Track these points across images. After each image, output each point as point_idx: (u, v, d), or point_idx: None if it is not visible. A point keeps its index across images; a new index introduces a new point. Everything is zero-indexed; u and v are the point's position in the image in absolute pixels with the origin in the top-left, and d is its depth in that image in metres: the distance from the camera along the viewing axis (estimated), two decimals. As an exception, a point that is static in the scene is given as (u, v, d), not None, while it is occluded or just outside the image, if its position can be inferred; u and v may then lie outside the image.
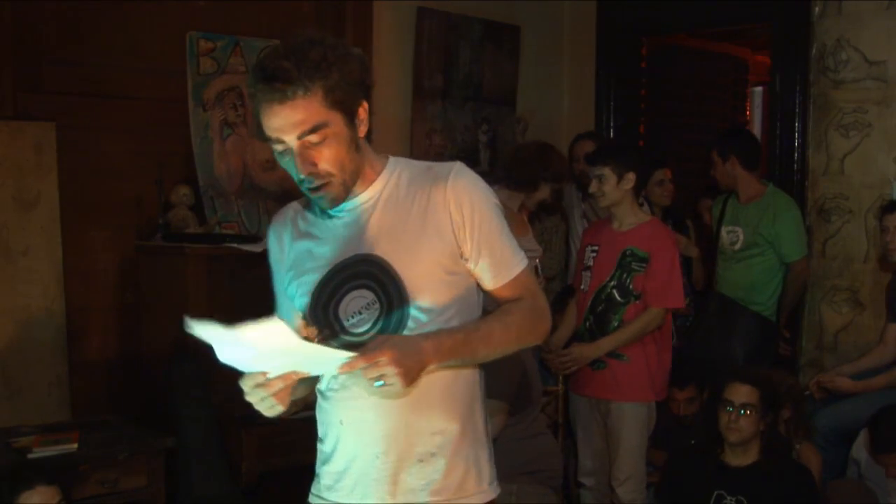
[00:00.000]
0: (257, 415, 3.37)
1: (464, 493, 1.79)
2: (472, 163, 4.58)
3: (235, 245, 3.40)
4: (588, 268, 3.55)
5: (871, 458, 3.48)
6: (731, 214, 4.24)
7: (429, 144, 4.63)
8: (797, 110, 4.51)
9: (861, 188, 4.33)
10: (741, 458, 3.18)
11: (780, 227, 4.13)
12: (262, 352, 1.60)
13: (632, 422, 3.45)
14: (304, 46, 1.66)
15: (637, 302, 3.42)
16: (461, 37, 4.73)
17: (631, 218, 3.50)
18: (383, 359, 1.55)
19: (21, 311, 3.31)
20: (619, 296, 3.44)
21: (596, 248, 3.55)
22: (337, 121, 1.68)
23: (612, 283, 3.45)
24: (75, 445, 2.93)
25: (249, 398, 1.71)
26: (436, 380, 1.73)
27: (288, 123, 1.65)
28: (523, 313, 1.78)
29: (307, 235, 1.84)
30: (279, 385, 1.65)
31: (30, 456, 2.85)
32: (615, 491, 3.54)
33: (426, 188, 1.75)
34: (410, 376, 1.59)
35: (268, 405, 1.71)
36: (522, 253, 1.81)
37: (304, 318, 1.82)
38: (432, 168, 1.80)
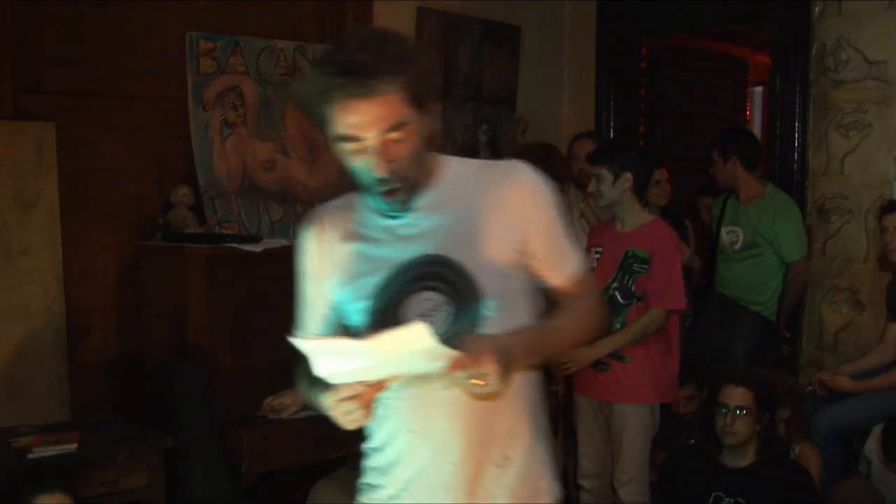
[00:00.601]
0: (257, 415, 3.39)
1: (538, 493, 1.79)
2: None
3: (235, 245, 3.40)
4: (591, 269, 3.55)
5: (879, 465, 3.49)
6: (731, 214, 4.24)
7: (429, 144, 4.63)
8: (797, 110, 4.51)
9: (861, 188, 4.33)
10: (739, 459, 3.18)
11: (780, 227, 4.13)
12: (375, 362, 1.51)
13: (635, 424, 3.45)
14: (380, 40, 1.60)
15: (640, 304, 3.42)
16: (461, 37, 4.73)
17: (634, 218, 3.50)
18: (486, 357, 1.51)
19: (21, 311, 3.31)
20: (622, 297, 3.44)
21: (600, 249, 3.55)
22: (415, 118, 1.62)
23: (615, 285, 3.45)
24: (75, 445, 2.93)
25: (333, 412, 1.60)
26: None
27: (369, 120, 1.57)
28: (585, 309, 1.79)
29: (358, 237, 1.76)
30: (371, 394, 1.58)
31: (30, 456, 2.85)
32: (617, 492, 3.53)
33: (489, 186, 1.72)
34: (504, 378, 1.54)
35: (354, 417, 1.61)
36: (581, 250, 1.81)
37: (366, 321, 1.73)
38: (492, 166, 1.78)
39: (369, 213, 1.75)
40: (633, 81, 5.27)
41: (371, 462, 1.85)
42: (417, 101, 1.60)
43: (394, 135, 1.59)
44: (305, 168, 3.97)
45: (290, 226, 3.85)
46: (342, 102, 1.56)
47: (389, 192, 1.65)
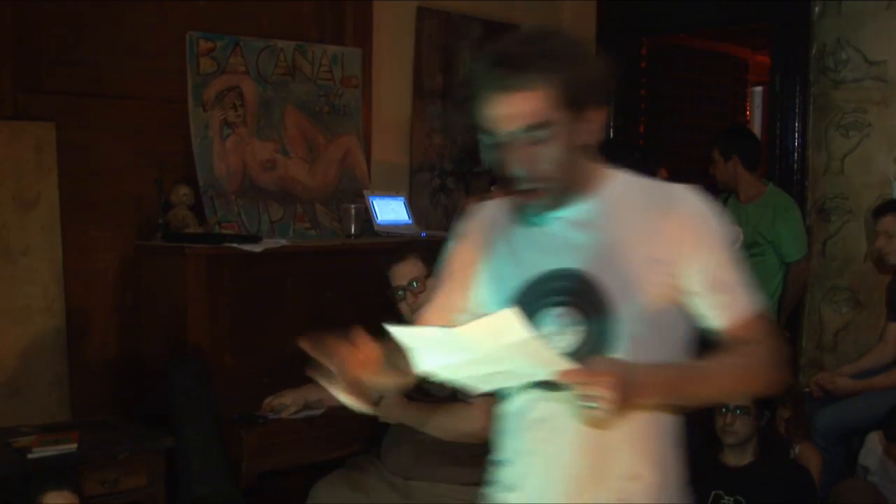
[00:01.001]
0: (257, 415, 3.39)
1: None
2: (473, 163, 4.58)
3: (235, 245, 3.40)
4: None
5: (881, 463, 3.49)
6: (731, 214, 4.24)
7: (429, 144, 4.63)
8: (797, 110, 4.52)
9: (861, 188, 4.34)
10: (739, 458, 3.18)
11: (781, 227, 4.13)
12: (477, 355, 1.41)
13: None
14: (544, 36, 1.55)
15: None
16: (461, 37, 4.73)
17: None
18: (605, 380, 1.39)
19: (21, 311, 3.31)
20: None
21: None
22: (565, 121, 1.53)
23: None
24: (75, 445, 2.93)
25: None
26: (633, 416, 1.56)
27: (511, 114, 1.51)
28: (748, 358, 1.57)
29: (506, 240, 1.70)
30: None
31: (30, 456, 2.84)
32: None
33: (650, 210, 1.59)
34: (620, 407, 1.42)
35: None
36: (759, 294, 1.62)
37: None
38: (659, 189, 1.64)
39: (521, 217, 1.67)
40: (633, 81, 5.27)
41: (497, 475, 1.77)
42: (572, 103, 1.52)
43: (536, 133, 1.52)
44: (305, 168, 3.97)
45: (290, 226, 3.85)
46: (486, 94, 1.53)
47: (526, 193, 1.57)
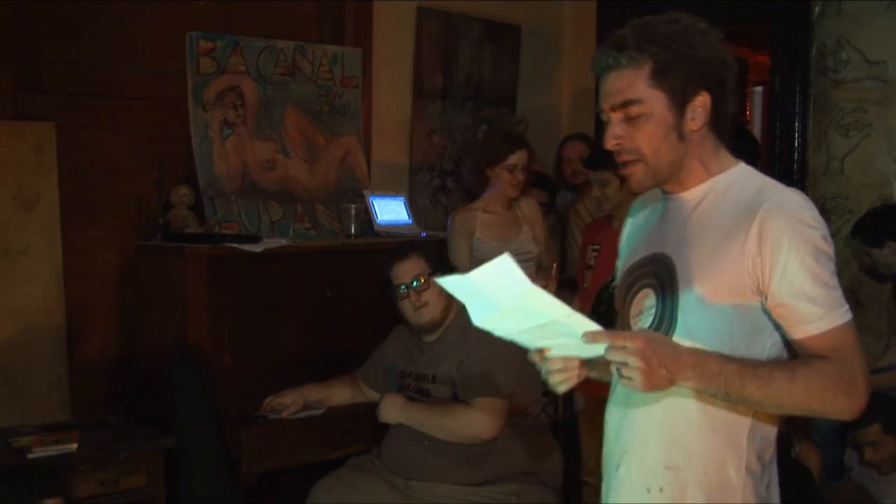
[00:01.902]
0: (257, 415, 3.39)
1: None
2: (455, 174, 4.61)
3: (235, 245, 3.40)
4: (590, 267, 3.55)
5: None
6: None
7: (429, 144, 4.63)
8: (797, 110, 4.51)
9: (861, 188, 4.33)
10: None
11: None
12: (505, 308, 1.45)
13: None
14: (656, 21, 1.62)
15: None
16: (461, 37, 4.73)
17: None
18: (631, 346, 1.42)
19: (21, 311, 3.31)
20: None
21: (598, 247, 3.55)
22: (657, 102, 1.59)
23: (615, 283, 3.45)
24: (75, 445, 2.93)
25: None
26: (694, 409, 1.58)
27: (608, 91, 1.61)
28: (823, 374, 1.51)
29: (639, 222, 1.84)
30: (558, 365, 1.57)
31: (30, 456, 2.84)
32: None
33: (740, 208, 1.58)
34: (653, 380, 1.43)
35: (557, 380, 1.60)
36: (845, 307, 1.56)
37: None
38: (762, 189, 1.61)
39: (661, 202, 1.76)
40: (633, 81, 5.26)
41: None
42: (667, 85, 1.58)
43: (625, 110, 1.59)
44: (305, 168, 3.97)
45: (290, 226, 3.85)
46: (595, 72, 1.64)
47: (623, 165, 1.65)
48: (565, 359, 1.57)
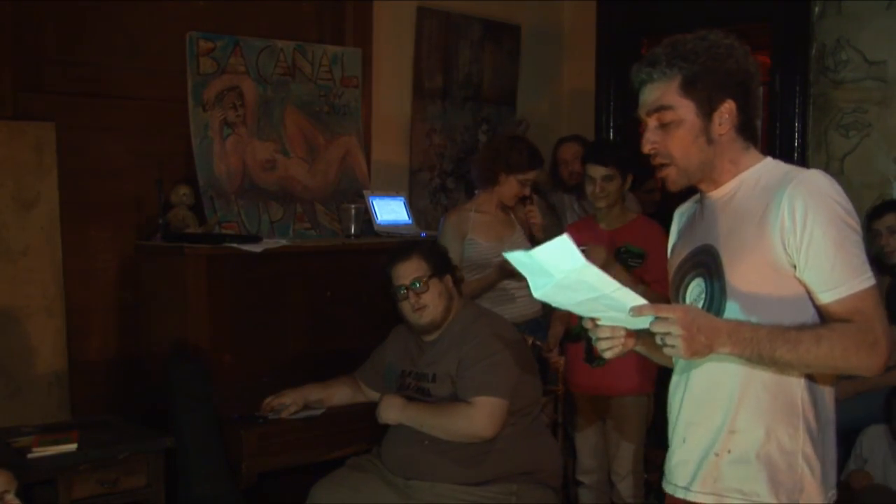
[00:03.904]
0: (257, 415, 3.39)
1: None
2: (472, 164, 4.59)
3: (235, 245, 3.40)
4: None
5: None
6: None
7: (429, 144, 4.63)
8: (797, 110, 4.51)
9: (861, 188, 4.33)
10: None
11: None
12: (559, 281, 1.62)
13: (633, 414, 3.50)
14: (685, 39, 1.82)
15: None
16: (461, 37, 4.73)
17: (620, 217, 3.52)
18: (672, 316, 1.60)
19: (21, 311, 3.31)
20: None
21: (584, 248, 3.55)
22: (686, 109, 1.79)
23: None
24: (75, 445, 2.93)
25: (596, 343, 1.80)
26: (749, 375, 1.76)
27: (645, 101, 1.83)
28: (846, 335, 1.68)
29: (685, 222, 2.01)
30: (606, 333, 1.76)
31: (29, 456, 2.84)
32: (616, 487, 3.55)
33: (770, 192, 1.76)
34: (694, 346, 1.61)
35: (604, 347, 1.78)
36: (867, 274, 1.72)
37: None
38: (790, 173, 1.79)
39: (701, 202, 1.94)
40: (633, 81, 5.26)
41: None
42: (695, 94, 1.78)
43: (657, 116, 1.81)
44: (305, 168, 3.97)
45: (290, 226, 3.85)
46: (636, 87, 1.86)
47: (658, 168, 1.85)
48: (613, 328, 1.75)
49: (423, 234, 4.05)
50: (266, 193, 3.82)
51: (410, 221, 4.14)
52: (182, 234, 3.49)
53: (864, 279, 1.71)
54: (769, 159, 1.86)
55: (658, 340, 1.64)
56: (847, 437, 3.71)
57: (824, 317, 1.73)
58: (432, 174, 4.65)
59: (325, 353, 3.61)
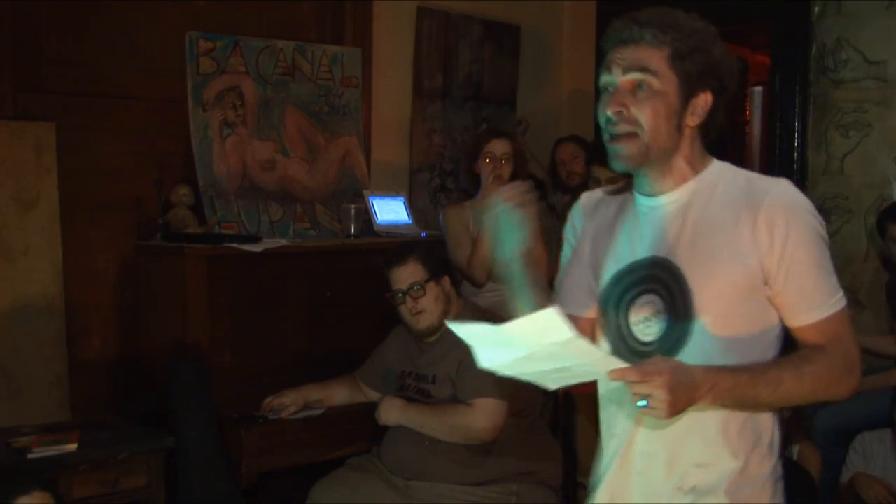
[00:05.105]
0: (257, 415, 3.39)
1: None
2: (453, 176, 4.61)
3: (235, 245, 3.40)
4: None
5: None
6: None
7: (429, 144, 4.63)
8: (797, 110, 4.52)
9: (861, 188, 4.34)
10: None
11: None
12: (528, 353, 1.45)
13: None
14: (676, 13, 1.65)
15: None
16: (461, 37, 4.73)
17: None
18: (658, 380, 1.44)
19: (21, 311, 3.31)
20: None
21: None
22: (670, 83, 1.61)
23: None
24: (75, 445, 2.93)
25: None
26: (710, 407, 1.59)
27: (624, 58, 1.62)
28: (825, 364, 1.58)
29: (609, 225, 1.77)
30: None
31: (29, 456, 2.84)
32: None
33: (740, 204, 1.61)
34: (676, 407, 1.46)
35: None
36: (841, 293, 1.62)
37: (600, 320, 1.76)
38: (754, 183, 1.64)
39: (622, 203, 1.77)
40: (633, 81, 5.26)
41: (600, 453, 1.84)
42: (682, 73, 1.61)
43: (638, 76, 1.61)
44: (305, 168, 3.97)
45: (290, 226, 3.85)
46: (610, 42, 1.66)
47: (614, 138, 1.63)
48: None
49: (423, 234, 4.05)
50: (266, 193, 3.82)
51: (410, 221, 4.14)
52: (182, 234, 3.49)
53: (839, 299, 1.62)
54: (719, 162, 1.71)
55: (636, 402, 1.46)
56: (847, 438, 3.72)
57: (797, 339, 1.63)
58: (432, 174, 4.65)
59: (325, 353, 3.61)
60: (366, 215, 3.96)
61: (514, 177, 3.69)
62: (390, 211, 4.07)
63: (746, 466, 1.65)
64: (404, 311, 3.09)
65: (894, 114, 4.26)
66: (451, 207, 3.85)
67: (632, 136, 1.62)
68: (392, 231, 3.98)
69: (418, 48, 4.55)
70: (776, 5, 4.61)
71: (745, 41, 6.05)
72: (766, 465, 1.68)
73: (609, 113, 1.63)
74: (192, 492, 3.08)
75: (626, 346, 1.68)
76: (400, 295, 3.09)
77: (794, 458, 3.52)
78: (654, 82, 1.61)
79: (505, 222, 1.71)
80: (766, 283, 1.60)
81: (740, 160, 5.94)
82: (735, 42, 5.98)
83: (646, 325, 1.66)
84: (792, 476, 3.19)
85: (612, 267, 1.72)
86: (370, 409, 3.15)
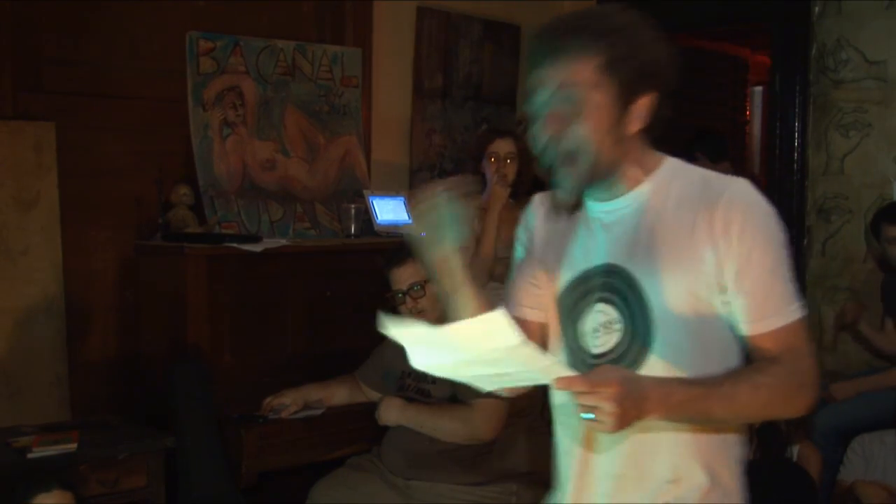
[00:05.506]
0: (257, 415, 3.39)
1: None
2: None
3: (235, 245, 3.40)
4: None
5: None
6: None
7: (429, 144, 4.63)
8: (797, 110, 4.51)
9: (861, 188, 4.33)
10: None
11: None
12: (468, 357, 1.37)
13: None
14: (607, 11, 1.51)
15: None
16: (461, 37, 4.73)
17: None
18: (606, 391, 1.33)
19: (21, 311, 3.31)
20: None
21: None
22: (606, 93, 1.48)
23: None
24: (75, 445, 2.93)
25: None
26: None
27: (551, 76, 1.49)
28: (780, 377, 1.47)
29: (563, 230, 1.65)
30: None
31: (29, 456, 2.84)
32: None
33: (696, 205, 1.51)
34: (624, 421, 1.35)
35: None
36: (800, 301, 1.51)
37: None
38: (710, 182, 1.54)
39: (584, 207, 1.63)
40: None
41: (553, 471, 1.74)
42: (615, 81, 1.47)
43: (569, 94, 1.47)
44: (305, 168, 3.97)
45: (290, 226, 3.85)
46: (534, 58, 1.52)
47: (555, 164, 1.52)
48: None
49: (423, 234, 4.03)
50: (266, 193, 3.82)
51: (410, 221, 4.13)
52: (182, 234, 3.49)
53: (797, 307, 1.51)
54: (671, 159, 1.60)
55: (581, 413, 1.35)
56: (848, 438, 3.72)
57: (752, 349, 1.53)
58: (432, 174, 4.65)
59: (325, 353, 3.61)
60: (366, 215, 3.96)
61: (519, 176, 3.70)
62: (390, 211, 4.07)
63: (718, 480, 1.56)
64: (404, 311, 3.09)
65: (894, 114, 4.26)
66: None
67: (574, 159, 1.51)
68: (392, 231, 3.98)
69: (418, 48, 4.55)
70: (776, 5, 4.61)
71: (745, 41, 6.05)
72: (736, 479, 1.59)
73: (545, 139, 1.51)
74: (192, 492, 3.08)
75: (578, 358, 1.58)
76: (400, 295, 3.09)
77: (794, 458, 3.52)
78: (589, 98, 1.48)
79: (443, 216, 1.59)
80: (722, 288, 1.50)
81: (740, 160, 5.98)
82: (735, 42, 5.99)
83: (599, 335, 1.56)
84: (792, 476, 3.21)
85: (565, 274, 1.62)
86: (370, 409, 3.15)
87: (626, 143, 1.53)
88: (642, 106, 1.51)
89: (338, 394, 3.38)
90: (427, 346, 1.40)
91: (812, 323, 4.48)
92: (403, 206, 4.16)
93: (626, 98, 1.49)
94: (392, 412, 3.03)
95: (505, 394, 1.62)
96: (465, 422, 2.92)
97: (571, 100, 1.48)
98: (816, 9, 4.44)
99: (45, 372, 3.36)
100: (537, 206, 1.73)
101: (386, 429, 3.11)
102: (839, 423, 3.76)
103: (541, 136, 1.52)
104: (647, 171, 1.58)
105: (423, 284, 3.06)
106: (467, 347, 1.34)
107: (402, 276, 3.08)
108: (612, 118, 1.50)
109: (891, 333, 3.88)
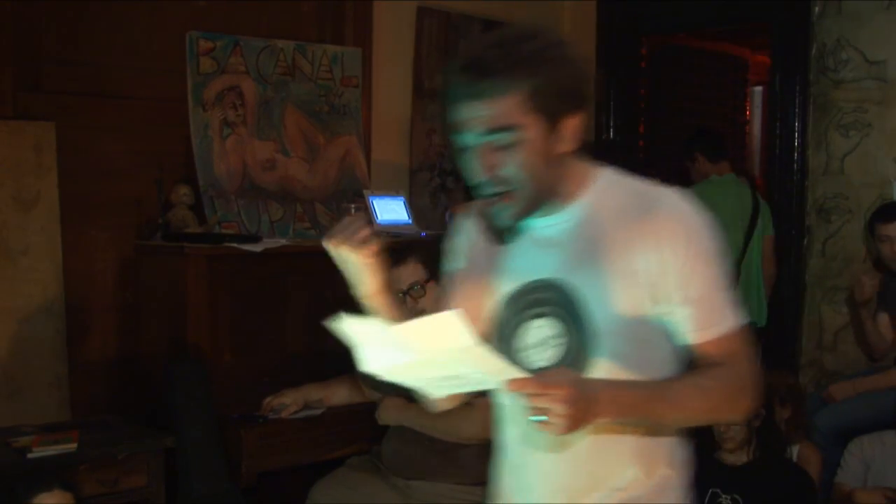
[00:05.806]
0: (257, 415, 3.39)
1: None
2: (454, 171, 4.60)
3: (235, 245, 3.40)
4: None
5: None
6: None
7: (429, 144, 4.63)
8: (797, 110, 4.52)
9: (861, 188, 4.34)
10: (736, 456, 3.18)
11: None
12: (421, 358, 1.35)
13: None
14: (518, 38, 1.48)
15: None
16: (461, 37, 4.73)
17: None
18: (558, 393, 1.32)
19: (21, 311, 3.31)
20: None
21: None
22: (534, 127, 1.47)
23: None
24: (75, 445, 2.93)
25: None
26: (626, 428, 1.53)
27: (476, 119, 1.47)
28: (724, 381, 1.51)
29: (494, 247, 1.64)
30: None
31: (29, 456, 2.85)
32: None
33: (631, 215, 1.51)
34: (576, 423, 1.34)
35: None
36: (741, 311, 1.54)
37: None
38: (646, 194, 1.54)
39: (500, 226, 1.61)
40: (633, 81, 5.27)
41: (494, 480, 1.74)
42: (542, 109, 1.46)
43: (500, 138, 1.46)
44: (305, 168, 3.97)
45: (290, 226, 3.85)
46: (454, 98, 1.49)
47: (493, 199, 1.51)
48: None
49: (423, 234, 4.05)
50: (266, 193, 3.82)
51: (410, 221, 4.14)
52: (182, 234, 3.49)
53: (738, 315, 1.54)
54: (606, 171, 1.59)
55: (530, 416, 1.34)
56: (848, 438, 3.72)
57: (696, 357, 1.54)
58: (432, 174, 4.65)
59: (325, 353, 3.61)
60: (366, 215, 3.96)
61: None
62: (390, 211, 4.07)
63: (665, 480, 1.60)
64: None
65: (894, 114, 4.26)
66: (461, 207, 3.86)
67: (512, 192, 1.50)
68: (392, 231, 3.98)
69: (418, 48, 4.55)
70: (776, 5, 4.61)
71: (745, 41, 6.06)
72: (681, 477, 1.63)
73: (479, 174, 1.50)
74: (192, 492, 3.08)
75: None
76: (400, 295, 3.08)
77: (794, 458, 3.52)
78: (515, 137, 1.46)
79: (346, 266, 1.59)
80: (663, 299, 1.50)
81: (740, 160, 5.98)
82: (735, 42, 5.99)
83: (538, 350, 1.55)
84: (792, 476, 3.21)
85: (503, 288, 1.60)
86: (370, 409, 3.15)
87: (561, 164, 1.52)
88: (570, 127, 1.51)
89: (338, 394, 3.38)
90: (381, 346, 1.38)
91: (812, 323, 4.49)
92: (403, 206, 4.17)
93: (553, 123, 1.48)
94: (392, 412, 3.03)
95: (447, 402, 1.63)
96: (465, 421, 2.91)
97: (502, 138, 1.47)
98: (816, 9, 4.44)
99: (44, 372, 3.36)
100: (475, 216, 1.71)
101: (386, 429, 3.11)
102: (839, 423, 3.76)
103: (474, 171, 1.51)
104: (584, 185, 1.57)
105: (424, 284, 3.06)
106: (420, 347, 1.32)
107: (402, 276, 3.08)
108: (544, 146, 1.49)
109: (883, 327, 3.88)
